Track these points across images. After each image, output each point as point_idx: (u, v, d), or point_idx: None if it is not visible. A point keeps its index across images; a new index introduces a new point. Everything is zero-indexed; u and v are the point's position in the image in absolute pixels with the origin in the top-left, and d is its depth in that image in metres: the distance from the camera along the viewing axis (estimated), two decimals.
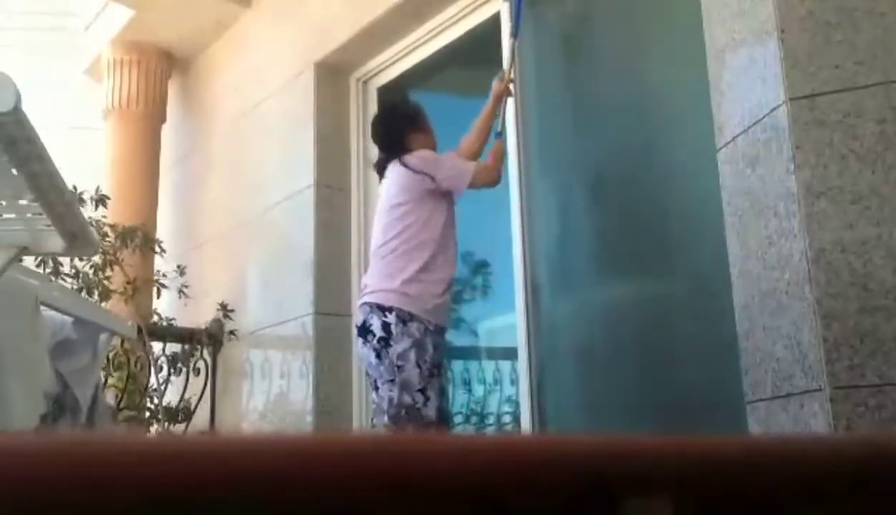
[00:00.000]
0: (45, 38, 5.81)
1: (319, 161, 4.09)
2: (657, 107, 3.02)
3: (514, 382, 3.34)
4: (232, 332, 4.35)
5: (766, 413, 2.09)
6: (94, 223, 3.80)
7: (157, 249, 4.67)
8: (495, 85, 3.00)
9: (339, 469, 0.43)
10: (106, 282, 4.17)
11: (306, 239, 4.01)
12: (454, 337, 3.54)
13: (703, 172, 2.44)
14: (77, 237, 1.80)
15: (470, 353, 3.96)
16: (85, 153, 4.87)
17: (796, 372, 1.99)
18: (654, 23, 3.05)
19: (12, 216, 1.77)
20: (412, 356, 2.56)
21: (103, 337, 2.17)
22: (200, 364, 4.35)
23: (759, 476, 0.54)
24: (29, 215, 1.74)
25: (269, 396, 4.16)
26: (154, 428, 4.13)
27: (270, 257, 4.31)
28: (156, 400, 4.16)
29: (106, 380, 3.58)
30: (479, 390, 3.84)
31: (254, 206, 4.46)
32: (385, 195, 2.83)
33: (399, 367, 2.55)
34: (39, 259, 3.63)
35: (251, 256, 4.48)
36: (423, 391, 2.55)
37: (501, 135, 3.00)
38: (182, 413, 4.29)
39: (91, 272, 4.15)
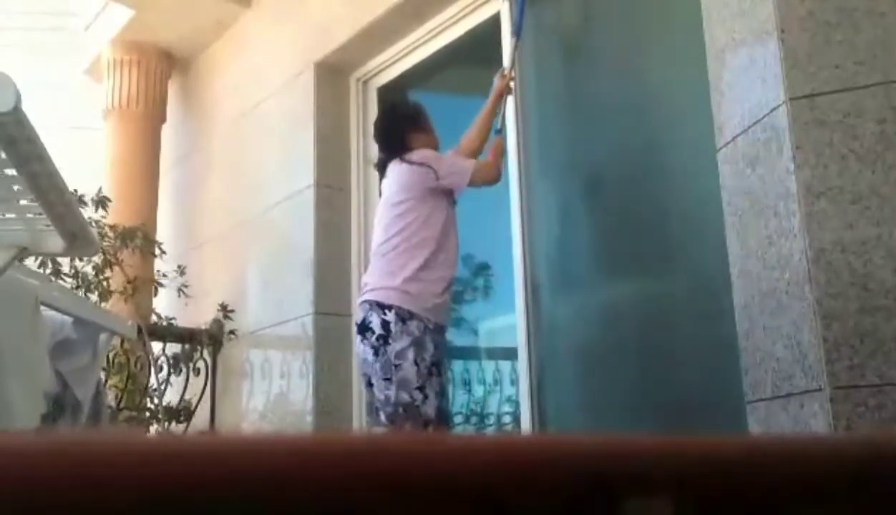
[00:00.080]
0: (45, 38, 5.80)
1: (319, 161, 4.09)
2: (657, 107, 3.02)
3: (514, 382, 3.34)
4: (232, 332, 4.35)
5: (766, 413, 2.09)
6: (94, 223, 3.80)
7: (157, 251, 4.67)
8: (497, 81, 3.01)
9: (339, 469, 0.43)
10: (105, 283, 4.17)
11: (306, 239, 4.01)
12: (454, 338, 3.55)
13: (703, 172, 2.44)
14: (77, 237, 1.80)
15: (470, 353, 3.96)
16: (85, 153, 4.87)
17: (796, 372, 1.99)
18: (654, 23, 3.05)
19: (12, 216, 1.77)
20: (410, 354, 2.56)
21: (103, 336, 2.16)
22: (200, 364, 4.35)
23: (759, 476, 0.54)
24: (29, 215, 1.73)
25: (269, 396, 4.16)
26: (154, 428, 4.13)
27: (270, 257, 4.31)
28: (156, 400, 4.16)
29: (106, 380, 3.58)
30: (479, 390, 3.85)
31: (254, 206, 4.46)
32: (386, 193, 2.84)
33: (396, 366, 2.55)
34: (39, 259, 3.63)
35: (251, 256, 4.48)
36: (421, 389, 2.54)
37: (501, 132, 3.01)
38: (182, 413, 4.29)
39: (91, 272, 4.15)
